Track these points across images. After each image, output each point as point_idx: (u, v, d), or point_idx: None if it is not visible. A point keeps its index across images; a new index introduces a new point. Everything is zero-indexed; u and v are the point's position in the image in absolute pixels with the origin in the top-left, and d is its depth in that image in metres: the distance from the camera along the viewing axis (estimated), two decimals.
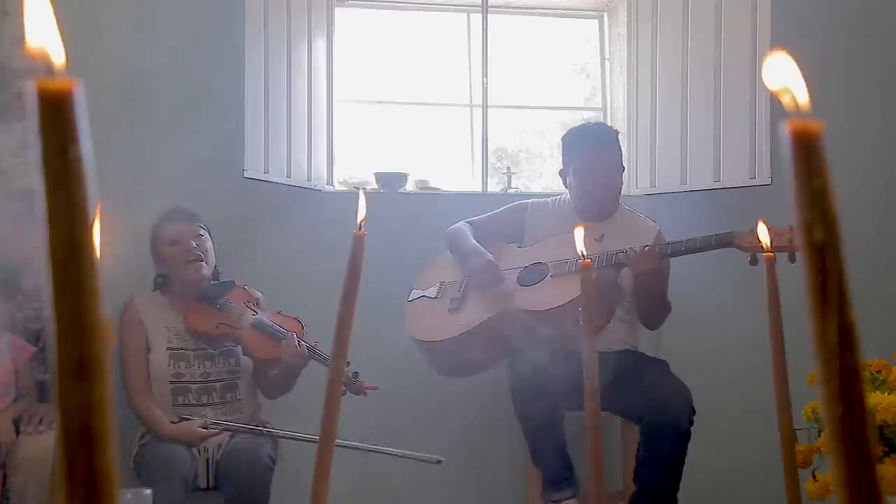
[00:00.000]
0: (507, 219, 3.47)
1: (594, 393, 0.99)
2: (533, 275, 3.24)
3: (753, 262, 2.87)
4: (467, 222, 3.46)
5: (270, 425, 3.12)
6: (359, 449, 2.86)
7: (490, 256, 3.29)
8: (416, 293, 3.42)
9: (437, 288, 3.39)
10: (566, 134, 3.47)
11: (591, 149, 3.33)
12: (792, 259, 2.69)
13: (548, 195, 3.60)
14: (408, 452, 2.98)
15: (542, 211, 3.45)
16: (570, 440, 3.06)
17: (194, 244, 3.14)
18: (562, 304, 3.06)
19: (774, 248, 2.82)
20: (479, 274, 3.27)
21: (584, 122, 3.47)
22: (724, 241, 2.97)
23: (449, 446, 3.68)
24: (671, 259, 3.19)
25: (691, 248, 3.04)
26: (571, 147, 3.39)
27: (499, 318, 3.19)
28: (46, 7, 0.37)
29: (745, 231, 2.91)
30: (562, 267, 3.18)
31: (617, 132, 3.51)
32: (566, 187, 3.43)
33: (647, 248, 3.05)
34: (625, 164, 3.46)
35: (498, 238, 3.39)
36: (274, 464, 3.01)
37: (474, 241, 3.37)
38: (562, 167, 3.45)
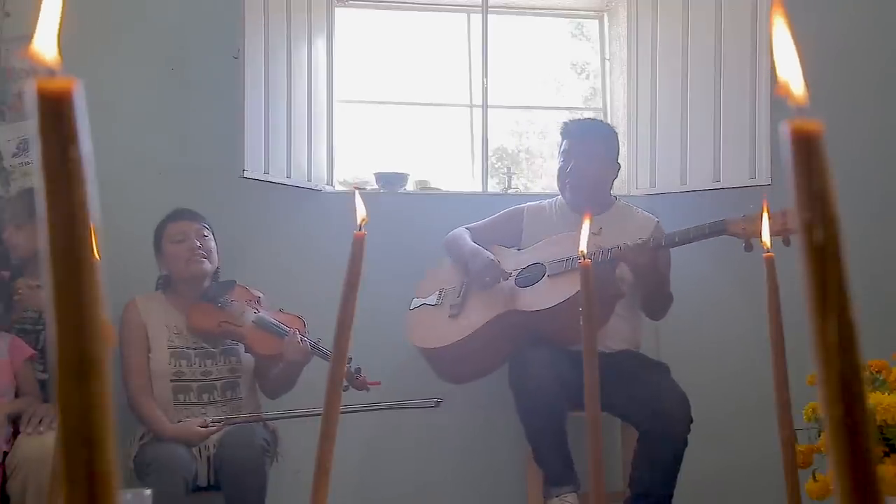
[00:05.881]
0: (504, 223, 3.48)
1: (594, 393, 0.99)
2: (531, 276, 3.24)
3: (748, 248, 2.87)
4: (466, 228, 3.47)
5: (271, 425, 3.12)
6: (355, 411, 2.86)
7: (490, 254, 3.30)
8: (416, 302, 3.44)
9: (437, 295, 3.40)
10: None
11: (570, 140, 3.37)
12: (787, 243, 2.67)
13: (547, 196, 3.61)
14: (405, 402, 3.02)
15: (538, 213, 3.46)
16: (570, 440, 3.06)
17: (198, 243, 3.15)
18: (559, 302, 3.06)
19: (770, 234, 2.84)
20: (480, 273, 3.27)
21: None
22: (717, 230, 2.96)
23: (450, 446, 3.69)
24: (673, 251, 3.19)
25: (685, 238, 3.03)
26: (560, 140, 3.44)
27: (498, 320, 3.19)
28: (57, 10, 0.37)
29: (737, 218, 2.91)
30: (558, 266, 3.18)
31: (610, 127, 3.53)
32: None
33: (639, 242, 3.03)
34: (620, 162, 3.47)
35: (496, 243, 3.40)
36: (269, 446, 3.00)
37: (473, 243, 3.38)
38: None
